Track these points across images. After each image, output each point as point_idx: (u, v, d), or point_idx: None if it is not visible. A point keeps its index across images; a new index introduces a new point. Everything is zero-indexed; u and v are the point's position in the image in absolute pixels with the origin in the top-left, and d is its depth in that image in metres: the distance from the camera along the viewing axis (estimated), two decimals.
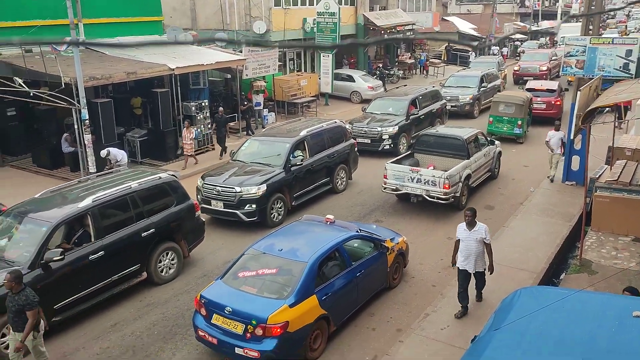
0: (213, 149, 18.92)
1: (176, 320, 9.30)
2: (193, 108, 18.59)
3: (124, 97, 19.02)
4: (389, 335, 8.84)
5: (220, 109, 18.86)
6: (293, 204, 13.54)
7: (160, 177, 10.67)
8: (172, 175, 11.07)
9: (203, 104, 19.02)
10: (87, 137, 14.86)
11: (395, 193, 13.91)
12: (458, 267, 9.03)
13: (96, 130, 15.75)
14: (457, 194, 13.39)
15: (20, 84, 14.42)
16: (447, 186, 12.97)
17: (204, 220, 11.52)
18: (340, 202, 14.44)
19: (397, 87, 23.40)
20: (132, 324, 9.24)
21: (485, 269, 9.04)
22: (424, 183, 13.21)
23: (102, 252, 9.23)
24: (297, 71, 28.42)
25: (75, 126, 15.20)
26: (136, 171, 11.37)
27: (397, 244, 10.18)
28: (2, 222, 9.31)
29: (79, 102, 14.53)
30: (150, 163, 17.46)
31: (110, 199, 9.62)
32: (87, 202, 9.29)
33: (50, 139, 17.00)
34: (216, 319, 7.87)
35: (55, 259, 8.45)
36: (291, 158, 13.51)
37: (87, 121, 14.79)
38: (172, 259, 10.56)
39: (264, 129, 17.36)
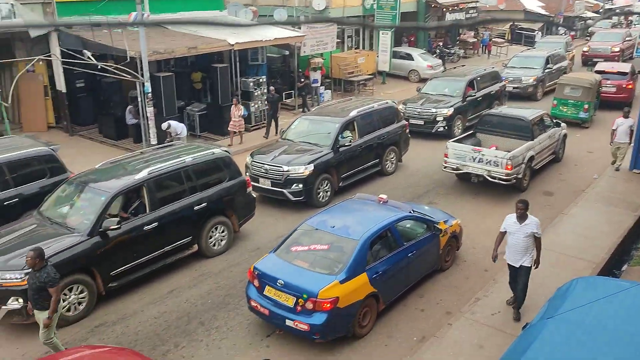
0: (272, 124, 19.10)
1: (229, 290, 9.60)
2: (251, 84, 18.82)
3: (184, 72, 19.46)
4: (438, 317, 8.82)
5: (272, 88, 18.90)
6: (340, 184, 13.51)
7: (213, 153, 10.89)
8: (226, 151, 11.27)
9: (261, 80, 19.22)
10: (150, 110, 15.36)
11: (455, 172, 13.78)
12: (506, 261, 8.61)
13: (158, 104, 16.22)
14: (519, 176, 13.11)
15: (89, 57, 15.02)
16: (509, 167, 12.69)
17: (254, 196, 11.71)
18: (390, 184, 14.34)
19: (454, 67, 22.82)
20: (188, 291, 9.61)
21: (531, 265, 8.44)
22: (486, 163, 12.99)
23: (156, 223, 9.54)
24: (355, 48, 28.17)
25: (139, 99, 15.72)
26: (191, 146, 11.67)
27: (451, 226, 10.06)
28: (66, 190, 9.77)
29: (142, 75, 15.00)
30: (207, 137, 17.89)
31: (164, 172, 9.90)
32: (143, 174, 9.59)
33: (115, 111, 17.67)
34: (268, 291, 8.08)
35: (112, 227, 8.83)
36: (340, 138, 13.44)
37: (150, 94, 15.26)
38: (223, 233, 10.80)
39: (313, 108, 17.26)
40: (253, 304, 8.26)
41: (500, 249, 8.54)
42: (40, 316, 7.33)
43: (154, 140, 15.45)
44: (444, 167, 13.75)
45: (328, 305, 7.59)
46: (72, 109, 18.20)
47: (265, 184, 12.89)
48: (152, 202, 9.62)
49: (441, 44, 32.85)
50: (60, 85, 17.64)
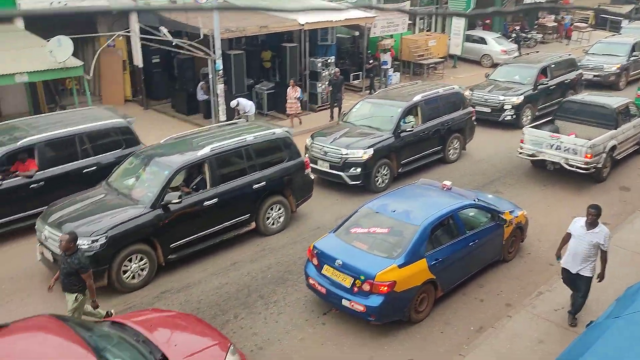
0: (336, 106, 19.12)
1: (288, 267, 9.80)
2: (319, 64, 18.86)
3: (255, 50, 19.75)
4: (497, 308, 8.65)
5: (336, 70, 18.77)
6: (399, 170, 13.33)
7: (274, 133, 10.99)
8: (287, 131, 11.35)
9: (329, 61, 19.22)
10: (220, 87, 15.73)
11: (531, 159, 13.36)
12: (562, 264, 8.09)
13: (228, 81, 16.59)
14: (599, 165, 12.56)
15: (165, 34, 15.52)
16: (589, 155, 12.17)
17: (313, 178, 11.78)
18: (453, 172, 14.00)
19: (527, 53, 21.84)
20: (249, 265, 9.89)
21: (593, 275, 7.81)
22: (564, 150, 12.53)
23: (215, 200, 9.78)
24: (427, 31, 27.55)
25: (210, 76, 16.13)
26: (253, 125, 11.85)
27: (516, 217, 9.78)
28: (133, 162, 10.15)
29: (214, 52, 15.36)
30: (274, 115, 18.14)
31: (226, 149, 10.10)
32: (206, 150, 9.83)
33: (187, 87, 18.23)
34: (326, 270, 8.19)
35: (173, 201, 9.13)
36: (401, 123, 13.22)
37: (221, 71, 15.62)
38: (280, 212, 10.94)
39: (376, 92, 17.00)
40: (311, 281, 8.40)
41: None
42: (69, 298, 7.46)
43: (222, 117, 15.85)
44: (519, 153, 13.37)
45: (385, 288, 7.60)
46: (148, 83, 18.92)
47: (323, 166, 12.90)
48: (213, 179, 9.85)
49: (518, 27, 31.50)
50: (138, 60, 18.36)
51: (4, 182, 10.09)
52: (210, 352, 6.27)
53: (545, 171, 13.31)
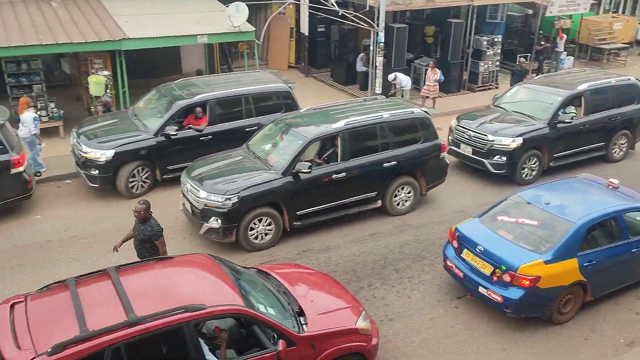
0: (496, 87, 18.25)
1: (427, 246, 9.75)
2: (484, 42, 18.01)
3: (418, 24, 19.42)
4: None
5: (522, 60, 17.66)
6: (551, 164, 12.31)
7: (412, 112, 10.74)
8: (425, 111, 11.02)
9: (495, 40, 18.25)
10: (379, 60, 15.80)
11: None
12: None
13: (388, 54, 16.57)
14: None
15: (332, 3, 15.90)
16: None
17: (448, 162, 11.34)
18: (615, 172, 12.30)
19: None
20: (388, 238, 10.00)
21: None
22: None
23: (344, 174, 9.85)
24: (613, 12, 24.86)
25: (371, 48, 16.25)
26: (391, 102, 11.69)
27: None
28: (272, 129, 10.56)
29: (378, 25, 15.42)
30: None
31: (360, 124, 10.08)
32: (340, 124, 9.92)
33: (347, 57, 18.57)
34: (466, 254, 8.01)
35: (304, 170, 9.37)
36: (560, 113, 12.13)
37: (382, 44, 15.66)
38: (409, 194, 10.74)
39: (536, 77, 15.62)
40: (448, 263, 8.29)
41: None
42: None
43: (378, 90, 15.96)
44: None
45: (527, 282, 7.25)
46: (311, 51, 19.63)
47: (466, 150, 12.36)
48: (344, 152, 9.91)
49: None
50: (304, 28, 19.09)
51: (179, 132, 11.24)
52: (343, 314, 6.52)
53: None
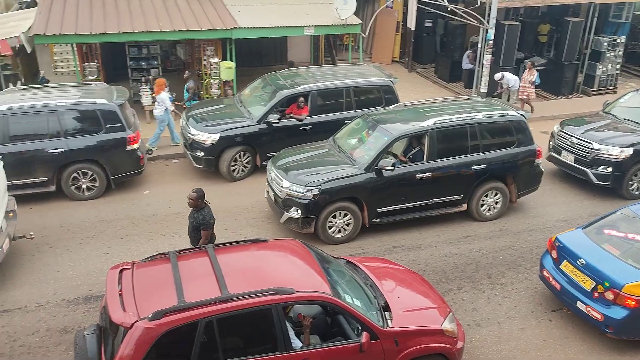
0: (615, 92, 16.99)
1: (523, 253, 9.35)
2: (605, 43, 16.80)
3: (531, 22, 18.48)
4: None
5: None
6: None
7: (507, 115, 10.25)
8: (521, 115, 10.45)
9: (618, 41, 16.97)
10: (487, 58, 15.26)
11: None
12: None
13: (496, 52, 15.97)
14: None
15: None
16: None
17: (542, 169, 10.67)
18: None
19: None
20: (482, 241, 9.71)
21: None
22: None
23: (429, 174, 9.59)
24: None
25: (479, 45, 15.74)
26: (487, 103, 11.22)
27: None
28: (359, 124, 10.47)
29: (488, 22, 14.89)
30: (539, 94, 16.89)
31: (450, 124, 9.77)
32: (429, 123, 9.66)
33: (453, 54, 18.11)
34: (565, 266, 7.59)
35: (387, 167, 9.24)
36: None
37: (491, 42, 15.11)
38: (497, 200, 10.28)
39: None
40: (545, 274, 7.90)
41: None
42: None
43: (484, 89, 15.45)
44: None
45: (633, 302, 6.75)
46: (416, 46, 19.36)
47: (567, 158, 11.57)
48: (431, 152, 9.66)
49: None
50: (411, 22, 18.84)
51: (280, 121, 11.57)
52: (429, 313, 6.44)
53: None
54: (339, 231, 9.48)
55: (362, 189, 9.32)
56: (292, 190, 9.19)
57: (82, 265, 8.78)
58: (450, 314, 6.55)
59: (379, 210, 9.58)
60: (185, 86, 13.78)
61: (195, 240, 7.47)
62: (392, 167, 9.27)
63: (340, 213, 9.36)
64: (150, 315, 5.19)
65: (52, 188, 10.49)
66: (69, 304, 7.89)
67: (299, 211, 9.16)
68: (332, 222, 9.37)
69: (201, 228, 7.31)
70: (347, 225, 9.49)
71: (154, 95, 12.88)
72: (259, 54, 17.96)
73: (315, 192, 9.09)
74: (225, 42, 14.51)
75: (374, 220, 9.61)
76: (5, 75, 13.26)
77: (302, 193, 9.11)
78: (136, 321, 5.18)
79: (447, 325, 6.31)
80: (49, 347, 7.09)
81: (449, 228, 10.09)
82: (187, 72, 14.48)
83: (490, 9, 14.74)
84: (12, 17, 15.39)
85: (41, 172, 10.35)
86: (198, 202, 7.29)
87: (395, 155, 9.93)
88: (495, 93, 15.42)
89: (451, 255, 9.32)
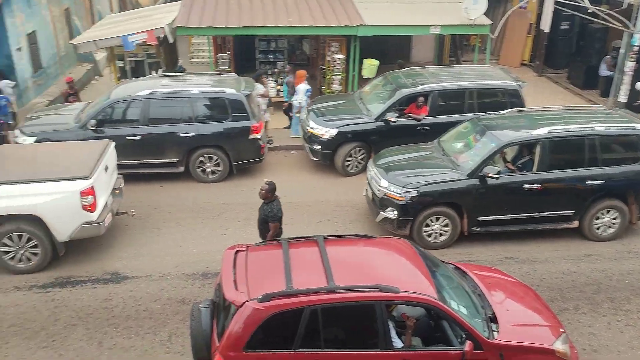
0: None
1: None
2: None
3: None
4: None
5: None
6: None
7: (634, 128, 9.29)
8: None
9: None
10: (630, 65, 14.03)
11: None
12: None
13: None
14: None
15: None
16: None
17: None
18: None
19: None
20: (607, 262, 9.00)
21: None
22: None
23: (538, 185, 8.99)
24: None
25: (621, 50, 14.51)
26: (611, 114, 10.26)
27: None
28: (467, 128, 10.03)
29: (635, 25, 13.67)
30: None
31: (566, 134, 9.11)
32: (542, 131, 9.06)
33: (590, 59, 16.86)
34: None
35: (491, 175, 8.78)
36: None
37: (636, 47, 13.86)
38: (615, 220, 9.38)
39: None
40: None
41: None
42: None
43: (622, 98, 14.26)
44: None
45: None
46: (548, 49, 18.26)
47: None
48: (542, 162, 9.07)
49: None
50: (545, 24, 17.78)
51: (398, 120, 11.51)
52: (541, 331, 6.11)
53: None
54: (436, 236, 9.28)
55: (463, 195, 9.05)
56: (390, 190, 9.14)
57: (202, 243, 9.41)
58: (564, 334, 6.16)
59: (480, 218, 9.22)
60: (284, 81, 14.14)
61: (264, 232, 7.60)
62: (497, 176, 8.89)
63: (438, 218, 9.16)
64: (259, 297, 5.44)
65: (181, 169, 11.35)
66: (187, 278, 8.51)
67: (396, 212, 9.10)
68: (429, 226, 9.18)
69: (269, 221, 7.43)
70: (444, 231, 9.26)
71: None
72: (382, 52, 17.95)
73: (414, 194, 8.96)
74: (350, 38, 14.69)
75: (473, 228, 9.28)
76: (150, 63, 14.49)
77: (400, 194, 9.02)
78: (246, 301, 5.47)
79: (559, 346, 5.94)
80: (168, 315, 7.71)
81: (569, 244, 9.47)
82: (288, 66, 14.81)
83: (638, 12, 13.52)
84: (158, 10, 16.76)
85: (173, 154, 11.23)
86: (268, 195, 7.41)
87: (504, 161, 9.55)
88: (636, 104, 14.13)
89: (569, 273, 8.75)
